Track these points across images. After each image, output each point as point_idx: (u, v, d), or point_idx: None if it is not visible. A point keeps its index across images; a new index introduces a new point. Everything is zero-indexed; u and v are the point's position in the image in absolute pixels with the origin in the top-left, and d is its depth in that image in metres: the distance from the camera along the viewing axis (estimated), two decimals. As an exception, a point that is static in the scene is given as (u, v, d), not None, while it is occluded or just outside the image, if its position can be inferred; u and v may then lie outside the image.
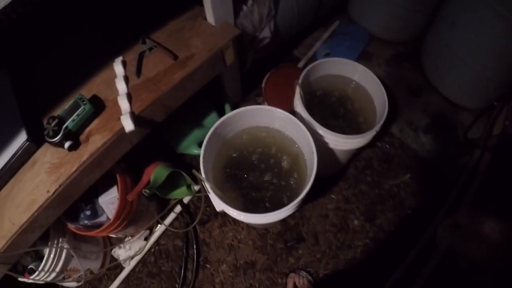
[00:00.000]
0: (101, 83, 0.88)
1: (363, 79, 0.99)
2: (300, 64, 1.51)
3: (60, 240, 0.96)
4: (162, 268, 1.14)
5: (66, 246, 0.96)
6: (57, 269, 0.95)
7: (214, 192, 0.70)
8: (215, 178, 0.80)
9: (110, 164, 0.84)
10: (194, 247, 1.11)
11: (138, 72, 0.84)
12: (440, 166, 1.23)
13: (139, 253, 1.14)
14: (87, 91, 0.86)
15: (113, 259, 1.17)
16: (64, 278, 1.00)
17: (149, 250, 1.16)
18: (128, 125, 0.76)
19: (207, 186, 0.71)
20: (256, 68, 1.29)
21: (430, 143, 1.28)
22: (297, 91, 0.88)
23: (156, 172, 0.99)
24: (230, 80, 1.14)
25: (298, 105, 0.88)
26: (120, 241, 1.19)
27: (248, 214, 0.68)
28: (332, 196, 1.18)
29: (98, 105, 0.82)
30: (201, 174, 0.72)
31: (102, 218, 0.99)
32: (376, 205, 1.17)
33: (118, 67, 0.87)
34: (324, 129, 0.83)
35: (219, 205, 0.69)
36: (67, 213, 0.94)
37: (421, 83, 1.42)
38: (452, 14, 1.20)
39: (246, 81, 1.28)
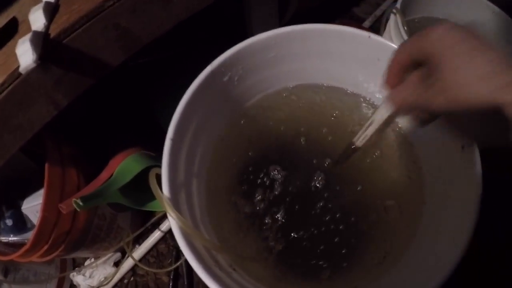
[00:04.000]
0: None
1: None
2: (366, 24, 1.06)
3: (-20, 260, 0.62)
4: (138, 313, 0.74)
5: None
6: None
7: (185, 234, 0.28)
8: (211, 199, 0.37)
9: (12, 141, 0.45)
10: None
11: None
12: None
13: (105, 284, 0.75)
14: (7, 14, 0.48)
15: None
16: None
17: (121, 280, 0.76)
18: (25, 55, 0.35)
19: (171, 216, 0.28)
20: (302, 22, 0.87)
21: None
22: (393, 22, 0.45)
23: (124, 165, 0.59)
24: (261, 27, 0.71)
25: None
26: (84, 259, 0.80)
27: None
28: None
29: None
30: (159, 188, 0.29)
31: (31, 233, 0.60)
32: None
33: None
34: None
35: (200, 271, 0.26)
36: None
37: None
38: None
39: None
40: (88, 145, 0.66)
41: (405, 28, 0.51)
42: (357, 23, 1.07)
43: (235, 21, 0.70)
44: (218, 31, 0.80)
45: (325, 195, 0.41)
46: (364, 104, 0.45)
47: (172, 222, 0.30)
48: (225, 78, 0.38)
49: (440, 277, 0.29)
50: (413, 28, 0.60)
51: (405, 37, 0.50)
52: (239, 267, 0.34)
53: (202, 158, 0.38)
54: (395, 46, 0.38)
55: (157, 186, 0.31)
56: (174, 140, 0.33)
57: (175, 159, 0.34)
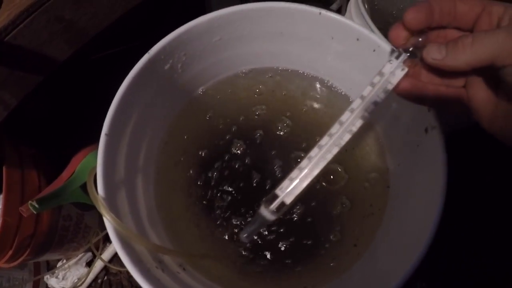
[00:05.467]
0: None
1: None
2: (334, 7, 1.04)
3: None
4: (113, 311, 0.73)
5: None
6: None
7: (122, 236, 0.26)
8: (161, 197, 0.36)
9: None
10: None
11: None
12: None
13: (79, 286, 0.73)
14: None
15: None
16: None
17: (94, 280, 0.75)
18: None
19: (105, 218, 0.27)
20: None
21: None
22: (353, 1, 0.44)
23: (85, 162, 0.57)
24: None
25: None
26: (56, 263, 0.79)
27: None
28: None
29: None
30: (94, 188, 0.28)
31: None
32: None
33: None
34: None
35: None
36: None
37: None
38: None
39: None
40: (49, 145, 0.64)
41: (366, 6, 0.50)
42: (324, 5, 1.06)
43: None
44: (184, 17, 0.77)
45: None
46: (320, 87, 0.44)
47: (107, 224, 0.28)
48: (167, 66, 0.36)
49: (406, 269, 0.28)
50: (373, 8, 0.59)
51: (365, 16, 0.49)
52: (192, 267, 0.33)
53: (148, 153, 0.37)
54: (348, 22, 0.37)
55: (92, 185, 0.29)
56: (110, 136, 0.31)
57: (113, 156, 0.32)
